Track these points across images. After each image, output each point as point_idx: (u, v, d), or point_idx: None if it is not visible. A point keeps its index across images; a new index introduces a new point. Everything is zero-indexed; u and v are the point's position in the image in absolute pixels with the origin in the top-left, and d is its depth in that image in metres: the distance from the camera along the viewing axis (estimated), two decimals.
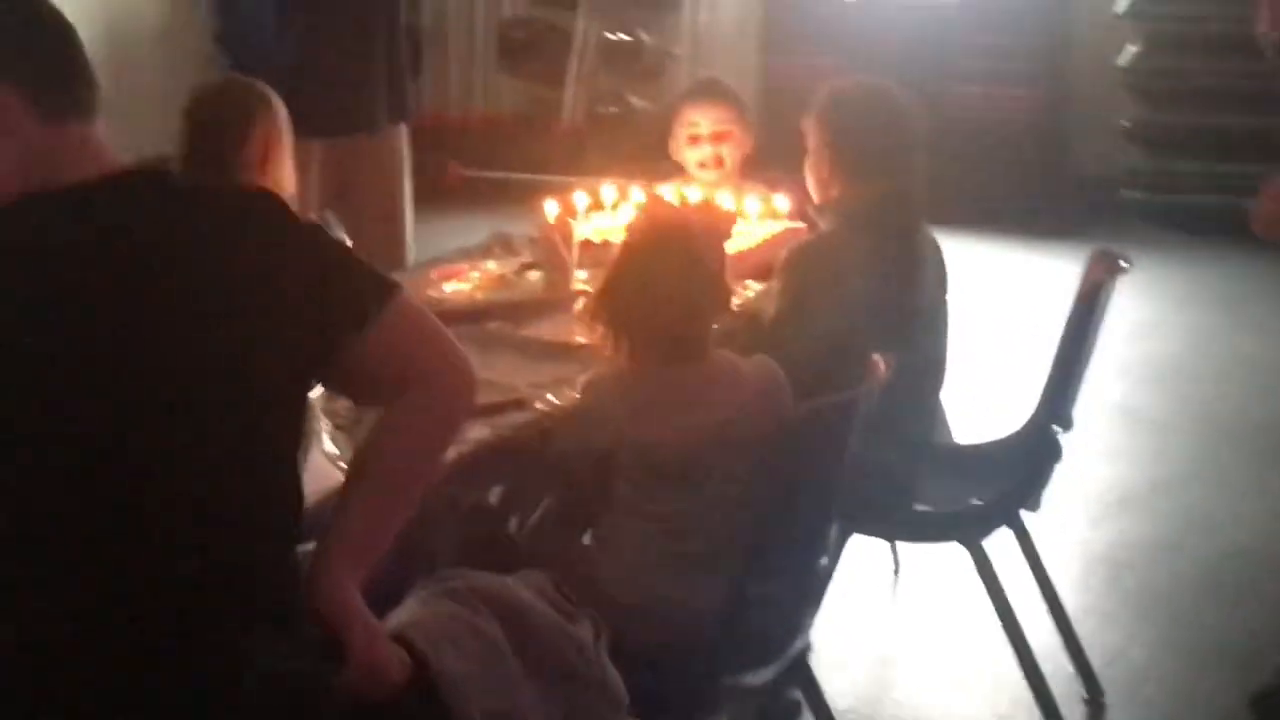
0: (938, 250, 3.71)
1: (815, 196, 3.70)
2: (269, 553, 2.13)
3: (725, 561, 2.92)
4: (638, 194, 4.19)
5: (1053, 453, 3.65)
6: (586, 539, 3.02)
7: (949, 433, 4.13)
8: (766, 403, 2.98)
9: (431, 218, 8.18)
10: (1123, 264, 3.63)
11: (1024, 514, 3.78)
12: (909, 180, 3.61)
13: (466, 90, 9.67)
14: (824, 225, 3.66)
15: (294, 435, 2.20)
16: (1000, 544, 3.76)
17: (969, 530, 3.59)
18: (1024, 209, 8.61)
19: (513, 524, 3.05)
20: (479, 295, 3.76)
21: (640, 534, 2.93)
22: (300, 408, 2.23)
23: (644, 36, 9.32)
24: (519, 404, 3.08)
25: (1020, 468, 3.64)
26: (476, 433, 2.93)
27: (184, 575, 2.02)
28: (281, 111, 3.77)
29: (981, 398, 5.53)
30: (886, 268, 3.49)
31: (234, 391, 2.07)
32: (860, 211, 3.56)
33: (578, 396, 3.04)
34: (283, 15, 4.47)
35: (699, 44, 9.32)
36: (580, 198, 4.10)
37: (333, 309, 2.16)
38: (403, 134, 4.77)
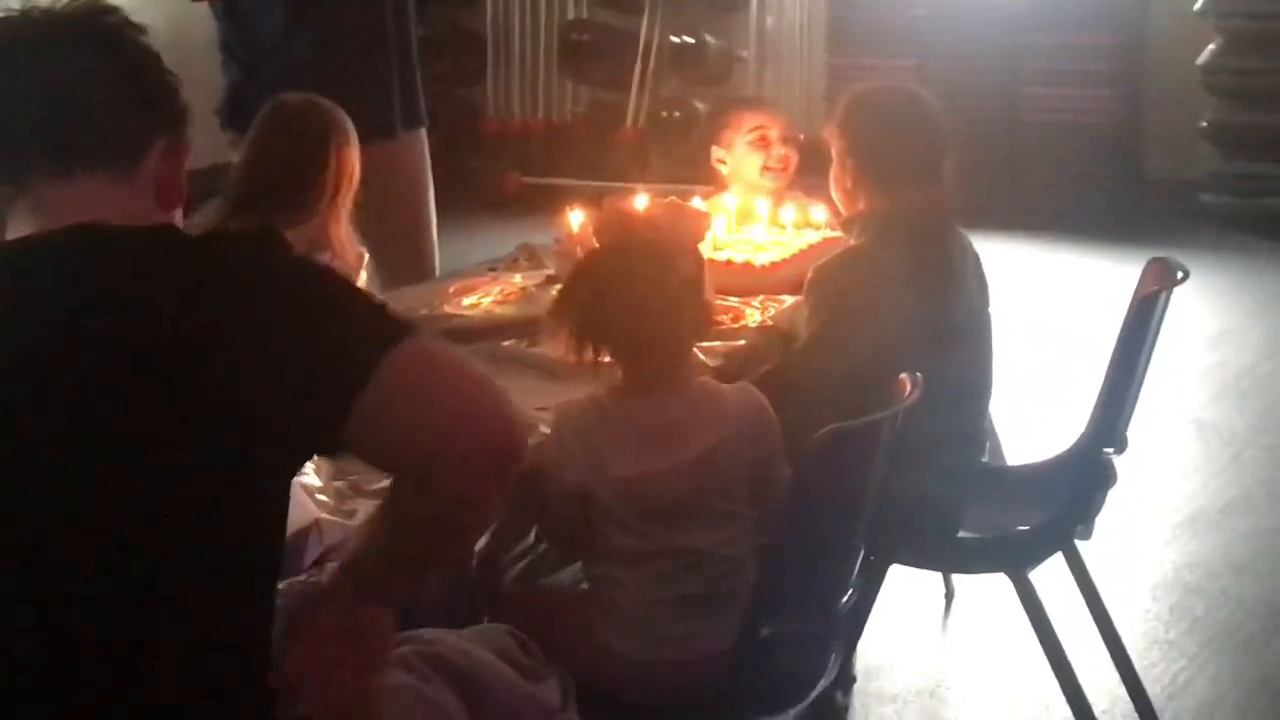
0: (976, 259, 3.51)
1: (841, 209, 3.50)
2: (245, 647, 1.89)
3: (733, 601, 2.73)
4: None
5: (1103, 477, 3.42)
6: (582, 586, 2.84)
7: (1000, 453, 3.92)
8: (750, 430, 2.78)
9: (491, 225, 8.09)
10: (1179, 274, 3.39)
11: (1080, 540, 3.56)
12: (937, 188, 3.41)
13: (529, 96, 9.53)
14: (851, 239, 3.45)
15: (283, 516, 1.91)
16: (1059, 569, 3.55)
17: (1014, 560, 3.36)
18: (1099, 212, 8.39)
19: (505, 564, 2.84)
20: (496, 310, 3.58)
21: (635, 580, 2.74)
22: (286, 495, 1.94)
23: (709, 39, 9.16)
24: None
25: (1069, 493, 3.40)
26: None
27: (154, 656, 1.82)
28: (354, 137, 3.67)
29: (1050, 414, 5.30)
30: (918, 281, 3.30)
31: (226, 475, 1.82)
32: (887, 223, 3.36)
33: (548, 431, 2.84)
34: (290, 22, 4.30)
35: (765, 46, 9.15)
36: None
37: (325, 377, 1.82)
38: (421, 140, 4.59)
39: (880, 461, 2.76)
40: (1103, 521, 3.58)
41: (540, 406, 2.97)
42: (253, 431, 1.81)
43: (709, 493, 2.76)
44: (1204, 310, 6.68)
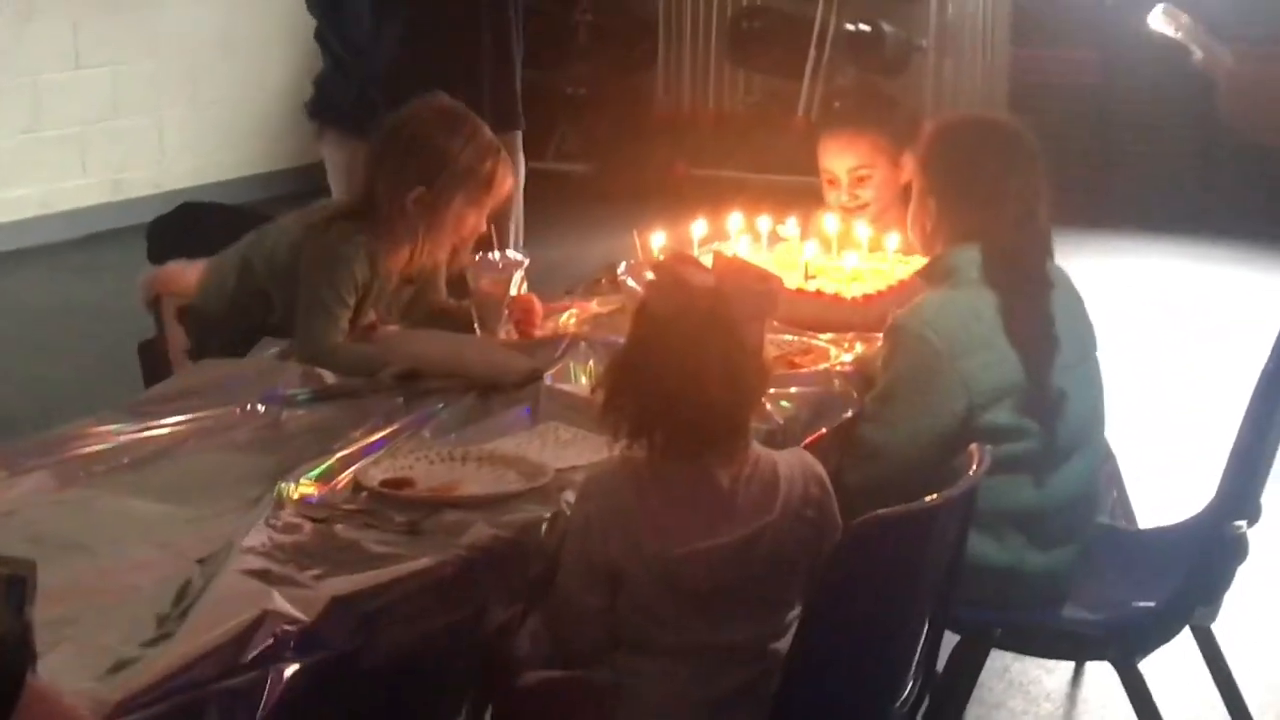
0: (1079, 304, 3.10)
1: (920, 251, 3.12)
2: None
3: (764, 697, 2.37)
4: (764, 224, 3.68)
5: (1232, 551, 3.00)
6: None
7: (1130, 513, 3.51)
8: (805, 506, 2.42)
9: (651, 215, 7.73)
10: None
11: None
12: (1024, 232, 2.99)
13: (699, 84, 9.20)
14: (929, 288, 3.05)
15: None
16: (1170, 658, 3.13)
17: (1122, 647, 2.94)
18: None
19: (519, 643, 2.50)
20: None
21: (666, 676, 2.40)
22: None
23: (886, 27, 8.73)
24: (539, 493, 2.56)
25: (1188, 569, 2.98)
26: (473, 534, 2.42)
27: None
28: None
29: (1198, 459, 4.75)
30: (1010, 335, 2.91)
31: None
32: (966, 270, 2.96)
33: (573, 501, 2.50)
34: (378, 15, 4.05)
35: (945, 35, 8.69)
36: (698, 227, 3.59)
37: None
38: (515, 144, 4.25)
39: (936, 547, 2.39)
40: (1239, 597, 3.15)
41: (573, 466, 2.65)
42: None
43: (757, 579, 2.40)
44: None
